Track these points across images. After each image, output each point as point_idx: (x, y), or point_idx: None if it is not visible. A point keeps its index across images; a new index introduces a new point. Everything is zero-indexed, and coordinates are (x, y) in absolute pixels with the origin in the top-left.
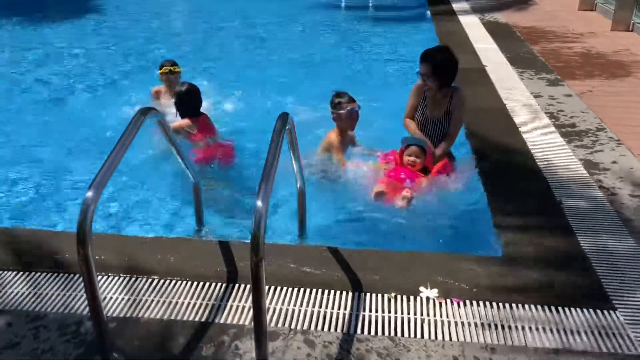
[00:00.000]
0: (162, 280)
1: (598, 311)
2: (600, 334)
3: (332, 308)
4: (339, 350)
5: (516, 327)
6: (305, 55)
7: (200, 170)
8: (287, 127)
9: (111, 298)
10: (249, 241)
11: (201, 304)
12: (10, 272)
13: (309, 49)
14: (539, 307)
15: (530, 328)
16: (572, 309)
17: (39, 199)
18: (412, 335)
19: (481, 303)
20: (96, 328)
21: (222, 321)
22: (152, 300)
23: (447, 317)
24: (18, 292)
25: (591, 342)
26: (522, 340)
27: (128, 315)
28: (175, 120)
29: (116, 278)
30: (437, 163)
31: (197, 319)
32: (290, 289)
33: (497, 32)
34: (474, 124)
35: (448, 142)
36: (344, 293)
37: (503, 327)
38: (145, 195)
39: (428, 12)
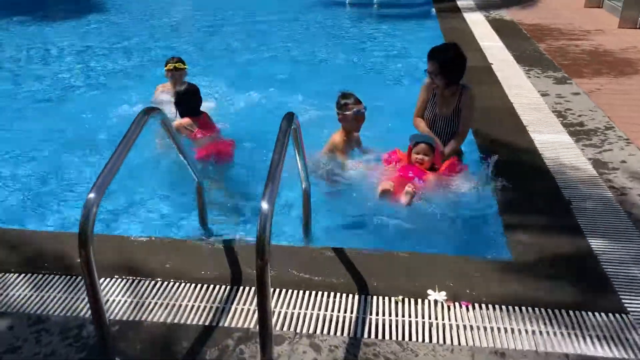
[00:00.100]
0: (165, 283)
1: (610, 314)
2: (612, 337)
3: (338, 311)
4: (345, 354)
5: (526, 331)
6: (309, 53)
7: (202, 169)
8: (292, 127)
9: (114, 301)
10: (254, 242)
11: (205, 306)
12: (11, 275)
13: (312, 47)
14: (549, 310)
15: (540, 332)
16: (583, 312)
17: (41, 199)
18: (420, 339)
19: (490, 306)
20: (98, 331)
21: (226, 324)
22: (155, 303)
23: (456, 320)
24: (19, 294)
25: (603, 345)
26: (532, 344)
27: (131, 318)
28: (175, 119)
29: (119, 280)
30: (446, 161)
31: (201, 322)
32: (295, 292)
33: (503, 29)
34: (481, 123)
35: (457, 140)
36: (350, 296)
37: (513, 331)
38: (147, 195)
39: (433, 10)
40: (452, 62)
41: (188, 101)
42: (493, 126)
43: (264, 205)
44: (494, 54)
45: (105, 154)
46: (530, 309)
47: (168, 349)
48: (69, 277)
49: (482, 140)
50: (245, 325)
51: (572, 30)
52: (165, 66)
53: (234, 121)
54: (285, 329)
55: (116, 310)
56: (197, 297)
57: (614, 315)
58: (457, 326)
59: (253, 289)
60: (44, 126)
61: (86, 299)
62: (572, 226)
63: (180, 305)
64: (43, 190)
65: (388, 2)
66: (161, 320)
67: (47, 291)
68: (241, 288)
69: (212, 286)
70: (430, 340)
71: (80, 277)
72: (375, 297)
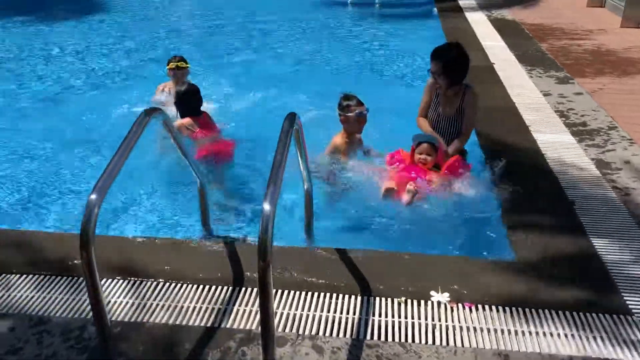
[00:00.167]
0: (167, 284)
1: (614, 316)
2: (616, 338)
3: (341, 313)
4: (348, 356)
5: (530, 333)
6: (310, 53)
7: (203, 169)
8: (294, 127)
9: (115, 302)
10: (256, 242)
11: (207, 308)
12: (13, 275)
13: (313, 47)
14: (552, 312)
15: (544, 334)
16: (588, 314)
17: (42, 199)
18: (423, 341)
19: (494, 308)
20: (99, 333)
21: (228, 326)
22: (157, 305)
23: (459, 322)
24: (21, 295)
25: (607, 347)
26: (536, 346)
27: (132, 319)
28: (176, 119)
29: (120, 281)
30: (448, 160)
31: (202, 323)
32: (297, 293)
33: (505, 29)
34: (483, 123)
35: (461, 140)
36: (353, 297)
37: (517, 333)
38: (149, 196)
39: (435, 9)
40: (455, 62)
41: (189, 101)
42: (495, 126)
43: (266, 207)
44: (495, 53)
45: (106, 154)
46: (533, 310)
47: (169, 351)
48: (70, 278)
49: (484, 140)
50: (247, 327)
51: (575, 29)
52: (168, 65)
53: (235, 121)
54: (287, 330)
55: (118, 312)
56: (199, 298)
57: (618, 317)
58: (461, 328)
59: (255, 289)
60: (44, 126)
61: (88, 300)
62: (575, 227)
63: (182, 307)
64: (44, 191)
65: (389, 2)
66: (163, 321)
67: (49, 292)
68: (243, 289)
69: (214, 287)
70: (434, 342)
71: (82, 278)
72: (377, 299)
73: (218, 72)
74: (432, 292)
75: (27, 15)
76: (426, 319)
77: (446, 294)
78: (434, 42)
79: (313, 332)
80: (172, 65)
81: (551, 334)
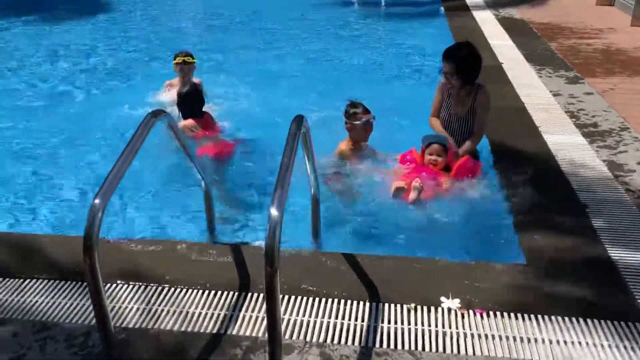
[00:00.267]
0: (172, 289)
1: (630, 323)
2: (631, 347)
3: (349, 319)
4: None
5: (543, 341)
6: (316, 53)
7: (207, 170)
8: (302, 130)
9: (120, 307)
10: (262, 246)
11: (212, 314)
12: (16, 280)
13: (319, 46)
14: (566, 318)
15: (558, 341)
16: (602, 321)
17: (47, 202)
18: (434, 349)
19: (505, 314)
20: (103, 339)
21: (234, 332)
22: (162, 310)
23: (470, 329)
24: (24, 300)
25: (622, 355)
26: (550, 354)
27: (137, 325)
28: (179, 120)
29: (125, 286)
30: (458, 160)
31: (208, 330)
32: (304, 299)
33: (513, 28)
34: (492, 123)
35: (473, 140)
36: (361, 303)
37: (529, 341)
38: (153, 198)
39: (441, 8)
40: (468, 62)
41: (191, 102)
42: (504, 127)
43: (273, 212)
44: (504, 53)
45: (109, 154)
46: (546, 317)
47: (174, 358)
48: (75, 282)
49: (493, 141)
50: (254, 334)
51: (584, 28)
52: (174, 60)
53: (240, 121)
54: (294, 337)
55: (122, 317)
56: (205, 303)
57: (634, 324)
58: (472, 335)
59: (262, 295)
60: (48, 127)
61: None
62: (588, 230)
63: (187, 312)
64: (49, 192)
65: (396, 1)
66: (167, 327)
67: (53, 297)
68: (249, 294)
69: (219, 292)
70: (444, 350)
71: (86, 283)
72: (387, 305)
73: (223, 72)
74: (443, 298)
75: (28, 15)
76: (436, 326)
77: (457, 300)
78: (441, 41)
79: (321, 340)
80: (179, 59)
81: (565, 342)
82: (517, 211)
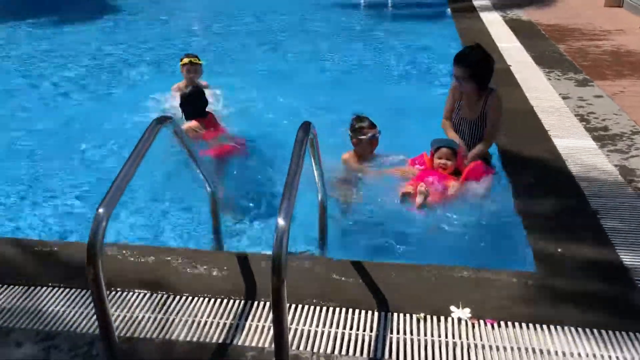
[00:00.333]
0: (177, 297)
1: None
2: None
3: (357, 329)
4: None
5: (556, 352)
6: (321, 54)
7: (214, 171)
8: (309, 137)
9: (124, 316)
10: (268, 253)
11: (218, 323)
12: (19, 287)
13: (325, 48)
14: (579, 329)
15: (571, 353)
16: (617, 332)
17: (51, 206)
18: None
19: (517, 324)
20: (107, 350)
21: (240, 342)
22: (166, 319)
23: (481, 340)
24: (28, 308)
25: None
26: None
27: (141, 335)
28: (183, 122)
29: (129, 294)
30: (469, 165)
31: (214, 339)
32: (311, 308)
33: (521, 30)
34: (501, 127)
35: (484, 145)
36: (370, 312)
37: (542, 352)
38: (158, 204)
39: (448, 10)
40: (481, 66)
41: (194, 103)
42: (513, 130)
43: (280, 222)
44: (512, 55)
45: (114, 159)
46: (558, 327)
47: None
48: (79, 290)
49: (502, 144)
50: (260, 344)
51: (592, 30)
52: (181, 62)
53: (245, 122)
54: (302, 348)
55: (126, 326)
56: (210, 312)
57: None
58: (483, 346)
59: (268, 303)
60: (54, 131)
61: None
62: (600, 237)
63: (192, 322)
64: (53, 196)
65: (402, 3)
66: (172, 337)
67: (57, 305)
68: (255, 303)
69: (225, 300)
70: None
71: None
72: (395, 314)
73: (230, 74)
74: (453, 308)
75: (37, 17)
76: (446, 336)
77: (467, 310)
78: (449, 43)
79: (329, 351)
80: (186, 60)
81: (579, 354)
82: (527, 217)
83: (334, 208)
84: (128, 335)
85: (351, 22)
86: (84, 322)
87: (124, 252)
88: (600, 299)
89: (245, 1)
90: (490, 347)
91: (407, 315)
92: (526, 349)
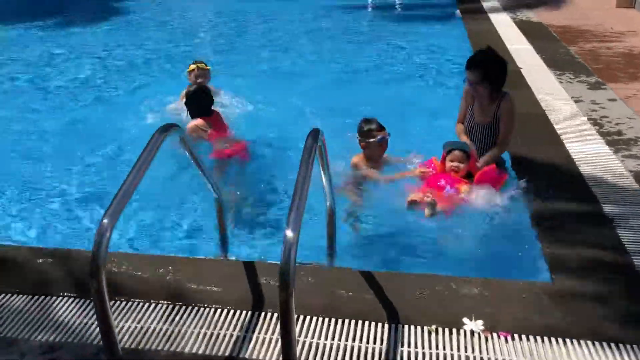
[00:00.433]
0: (182, 307)
1: None
2: None
3: (367, 342)
4: None
5: None
6: (329, 57)
7: (220, 172)
8: (318, 144)
9: (128, 327)
10: (276, 261)
11: (225, 334)
12: (22, 296)
13: (332, 50)
14: (596, 343)
15: None
16: (635, 346)
17: (54, 214)
18: None
19: (531, 338)
20: None
21: (247, 355)
22: (171, 330)
23: (495, 354)
24: (32, 318)
25: None
26: None
27: (145, 347)
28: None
29: (134, 304)
30: (482, 169)
31: (220, 352)
32: (320, 319)
33: (531, 31)
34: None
35: (497, 150)
36: (380, 325)
37: None
38: (163, 211)
39: (457, 11)
40: (494, 69)
41: (198, 101)
42: (525, 135)
43: (289, 233)
44: (522, 57)
45: (119, 165)
46: (574, 340)
47: None
48: (83, 299)
49: (513, 149)
50: (268, 357)
51: (604, 31)
52: (188, 68)
53: (252, 123)
54: None
55: (130, 338)
56: (217, 323)
57: None
58: None
59: (276, 314)
60: (59, 136)
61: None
62: (616, 247)
63: (198, 333)
64: (57, 203)
65: (410, 4)
66: (178, 349)
67: (61, 315)
68: (263, 314)
69: (232, 311)
70: None
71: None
72: (406, 326)
73: (236, 76)
74: (465, 320)
75: (42, 20)
76: (458, 349)
77: (480, 322)
78: (458, 45)
79: None
80: (193, 66)
81: None
82: (541, 225)
83: (343, 216)
84: (133, 346)
85: (358, 24)
86: (89, 333)
87: (129, 260)
88: (617, 311)
89: (250, 4)
90: None
91: (418, 328)
92: None
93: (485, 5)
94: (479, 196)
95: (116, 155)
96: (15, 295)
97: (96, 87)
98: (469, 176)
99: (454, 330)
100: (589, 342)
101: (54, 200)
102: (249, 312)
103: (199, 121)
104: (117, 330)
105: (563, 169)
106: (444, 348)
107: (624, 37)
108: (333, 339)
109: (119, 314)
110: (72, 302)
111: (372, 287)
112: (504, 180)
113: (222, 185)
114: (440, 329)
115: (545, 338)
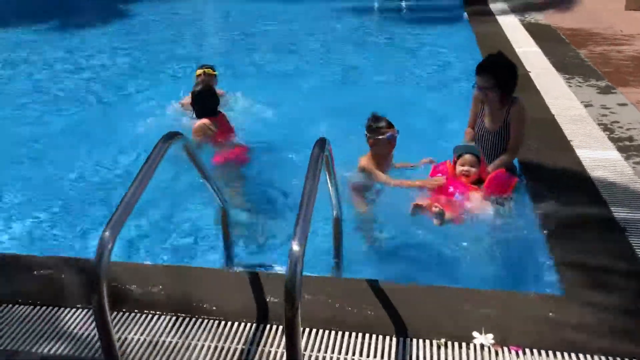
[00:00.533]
0: (185, 319)
1: None
2: None
3: (375, 356)
4: None
5: None
6: (336, 60)
7: (225, 177)
8: (324, 154)
9: (130, 339)
10: (281, 271)
11: (229, 347)
12: (23, 306)
13: (338, 52)
14: (610, 358)
15: None
16: None
17: (57, 221)
18: None
19: (543, 352)
20: None
21: None
22: (174, 343)
23: None
24: (34, 329)
25: None
26: None
27: (148, 359)
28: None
29: (135, 315)
30: (492, 173)
31: None
32: (326, 332)
33: (539, 34)
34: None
35: (507, 156)
36: (387, 338)
37: None
38: (166, 220)
39: (465, 14)
40: (504, 74)
41: (203, 101)
42: (534, 140)
43: (295, 247)
44: (531, 60)
45: (122, 169)
46: (588, 356)
47: None
48: (87, 310)
49: (522, 155)
50: None
51: (614, 34)
52: (196, 73)
53: (257, 126)
54: None
55: (131, 350)
56: (220, 336)
57: None
58: None
59: (281, 327)
60: (64, 140)
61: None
62: (629, 257)
63: (201, 346)
64: (60, 209)
65: (417, 7)
66: None
67: (63, 327)
68: (268, 326)
69: (236, 324)
70: None
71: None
72: (414, 340)
73: (241, 79)
74: (475, 333)
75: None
76: None
77: (490, 336)
78: (465, 48)
79: None
80: (200, 72)
81: None
82: (551, 234)
83: (350, 224)
84: (136, 359)
85: (365, 26)
86: (91, 345)
87: (131, 271)
88: (633, 324)
89: (256, 8)
90: None
91: (427, 341)
92: None
93: (493, 7)
94: (488, 204)
95: (121, 159)
96: (17, 305)
97: (99, 89)
98: (479, 182)
99: (463, 344)
100: (602, 357)
101: (58, 206)
102: (254, 325)
103: (205, 120)
104: (120, 342)
105: (574, 175)
106: None
107: (634, 40)
108: (340, 352)
109: (121, 325)
110: (74, 313)
111: (379, 298)
112: (514, 184)
113: (226, 192)
114: (449, 343)
115: (558, 353)
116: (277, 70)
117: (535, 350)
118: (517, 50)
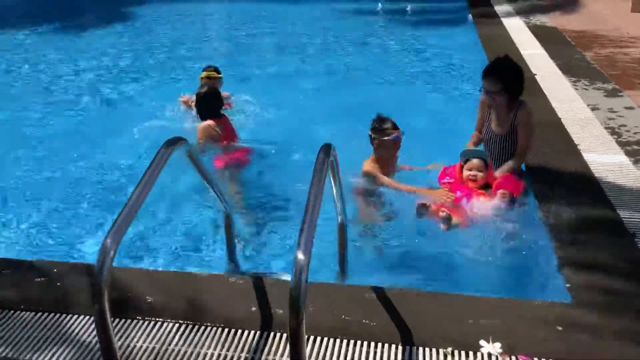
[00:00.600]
0: (188, 326)
1: None
2: None
3: None
4: None
5: None
6: (340, 62)
7: (228, 180)
8: (329, 159)
9: (136, 346)
10: (286, 277)
11: (232, 356)
12: (26, 313)
13: (342, 55)
14: None
15: None
16: None
17: (57, 225)
18: None
19: None
20: None
21: None
22: (177, 351)
23: None
24: (36, 336)
25: None
26: None
27: None
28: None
29: (136, 322)
30: (498, 179)
31: None
32: (331, 341)
33: (545, 36)
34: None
35: (514, 161)
36: (393, 346)
37: None
38: (168, 225)
39: (469, 16)
40: (511, 78)
41: (207, 103)
42: (541, 144)
43: (299, 255)
44: (536, 63)
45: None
46: None
47: None
48: (88, 317)
49: (529, 160)
50: None
51: (620, 36)
52: (201, 75)
53: (261, 133)
54: None
55: (137, 358)
56: (224, 344)
57: None
58: None
59: (285, 335)
60: (67, 145)
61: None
62: (639, 261)
63: (204, 354)
64: (63, 213)
65: (422, 9)
66: None
67: (65, 334)
68: (272, 334)
69: (239, 331)
70: None
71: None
72: (421, 349)
73: (244, 81)
74: (482, 342)
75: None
76: None
77: (497, 344)
78: (470, 50)
79: None
80: (204, 74)
81: None
82: (559, 240)
83: (355, 229)
84: None
85: (369, 28)
86: (92, 352)
87: (135, 277)
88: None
89: (259, 10)
90: None
91: (433, 350)
92: None
93: (498, 9)
94: (495, 209)
95: (124, 161)
96: (20, 312)
97: (102, 91)
98: (486, 187)
99: (471, 353)
100: None
101: (61, 209)
102: (257, 332)
103: (210, 122)
104: (123, 349)
105: (581, 180)
106: None
107: None
108: None
109: (123, 333)
110: (76, 320)
111: (385, 306)
112: (522, 188)
113: (228, 196)
114: (456, 352)
115: None
116: (280, 72)
117: (543, 359)
118: (522, 52)
